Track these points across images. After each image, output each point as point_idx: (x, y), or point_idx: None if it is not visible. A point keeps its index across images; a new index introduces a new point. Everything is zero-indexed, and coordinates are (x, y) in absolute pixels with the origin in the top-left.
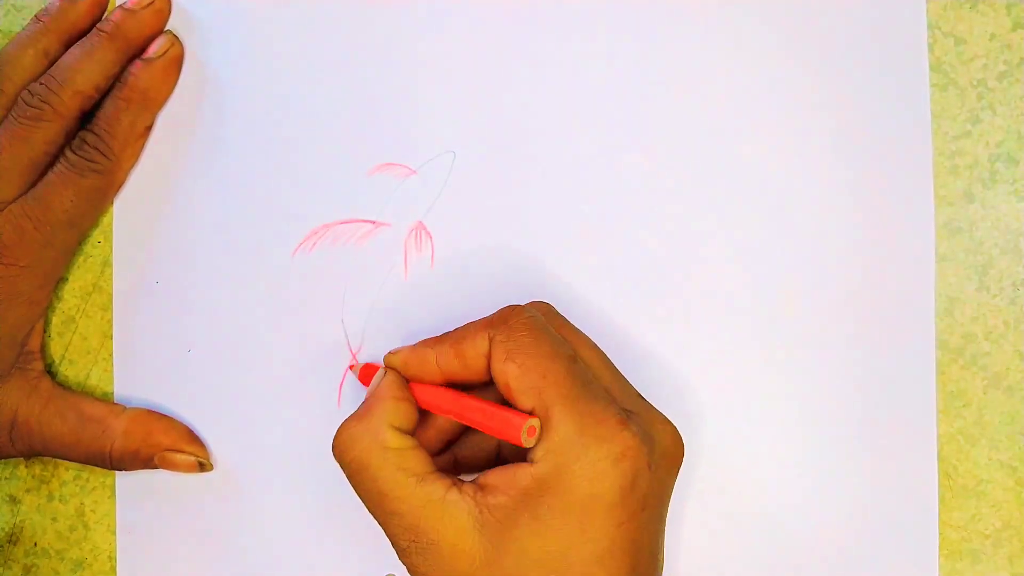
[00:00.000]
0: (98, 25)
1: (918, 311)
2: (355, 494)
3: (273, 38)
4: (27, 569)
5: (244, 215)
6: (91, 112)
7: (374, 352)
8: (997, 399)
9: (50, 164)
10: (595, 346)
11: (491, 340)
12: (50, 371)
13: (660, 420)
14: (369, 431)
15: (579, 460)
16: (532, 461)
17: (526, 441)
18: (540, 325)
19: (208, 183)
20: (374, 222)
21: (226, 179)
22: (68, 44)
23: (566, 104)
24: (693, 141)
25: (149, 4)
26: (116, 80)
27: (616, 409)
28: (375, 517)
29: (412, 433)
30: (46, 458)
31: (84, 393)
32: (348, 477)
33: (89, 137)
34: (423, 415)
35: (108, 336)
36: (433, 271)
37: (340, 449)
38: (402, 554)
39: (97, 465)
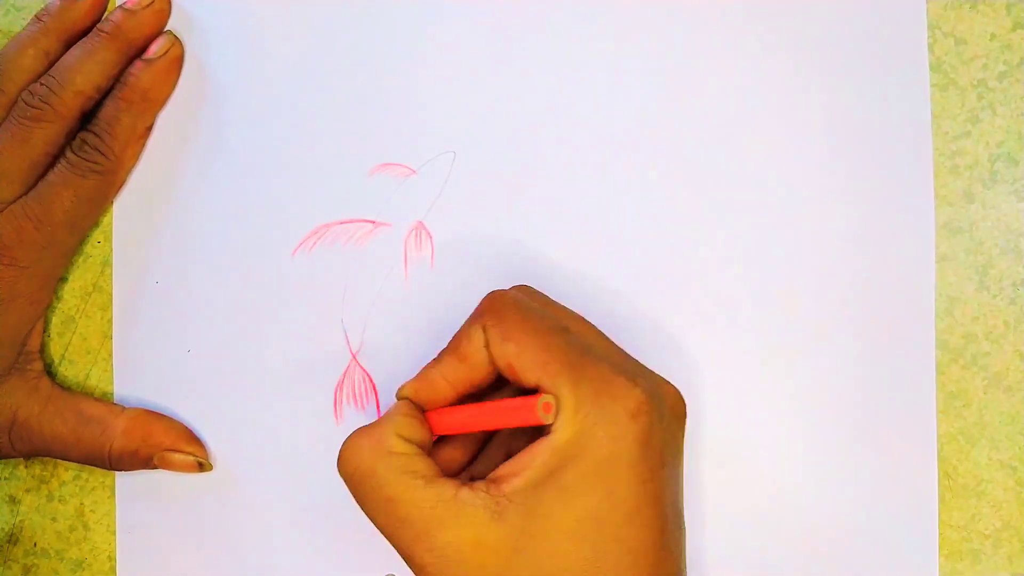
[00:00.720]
0: (98, 25)
1: (918, 311)
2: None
3: (273, 38)
4: (27, 569)
5: (244, 215)
6: (91, 112)
7: (374, 352)
8: (997, 399)
9: (50, 165)
10: (582, 317)
11: (484, 329)
12: (50, 371)
13: (661, 380)
14: (373, 439)
15: (599, 421)
16: (550, 433)
17: (544, 417)
18: (525, 304)
19: (208, 183)
20: (374, 222)
21: (226, 179)
22: (68, 44)
23: (566, 104)
24: (693, 141)
25: (149, 4)
26: (116, 80)
27: (621, 370)
28: (386, 535)
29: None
30: (46, 459)
31: (83, 393)
32: (353, 490)
33: (90, 138)
34: (439, 441)
35: (108, 336)
36: (433, 271)
37: (344, 459)
38: (421, 572)
39: (96, 465)
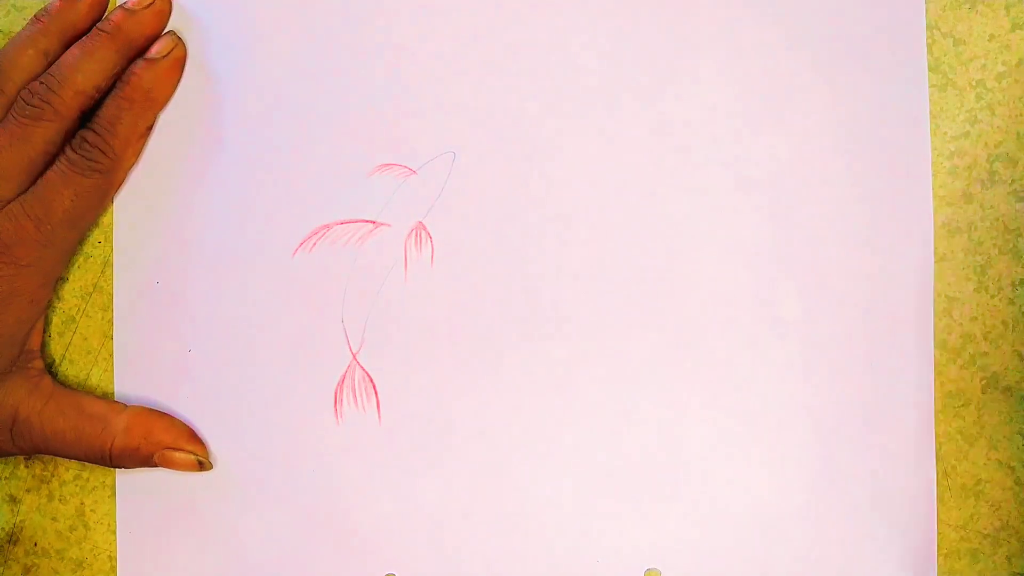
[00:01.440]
0: (98, 25)
1: (917, 311)
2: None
3: (273, 38)
4: (27, 569)
5: (244, 215)
6: (91, 112)
7: (374, 352)
8: (996, 399)
9: (49, 163)
10: None
11: None
12: (51, 371)
13: None
14: None
15: None
16: None
17: None
18: None
19: (208, 183)
20: (374, 222)
21: (226, 179)
22: (67, 44)
23: (567, 105)
24: (693, 141)
25: (149, 4)
26: (116, 80)
27: None
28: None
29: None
30: (46, 458)
31: (85, 391)
32: None
33: (90, 136)
34: None
35: (108, 336)
36: (433, 271)
37: None
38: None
39: (97, 463)
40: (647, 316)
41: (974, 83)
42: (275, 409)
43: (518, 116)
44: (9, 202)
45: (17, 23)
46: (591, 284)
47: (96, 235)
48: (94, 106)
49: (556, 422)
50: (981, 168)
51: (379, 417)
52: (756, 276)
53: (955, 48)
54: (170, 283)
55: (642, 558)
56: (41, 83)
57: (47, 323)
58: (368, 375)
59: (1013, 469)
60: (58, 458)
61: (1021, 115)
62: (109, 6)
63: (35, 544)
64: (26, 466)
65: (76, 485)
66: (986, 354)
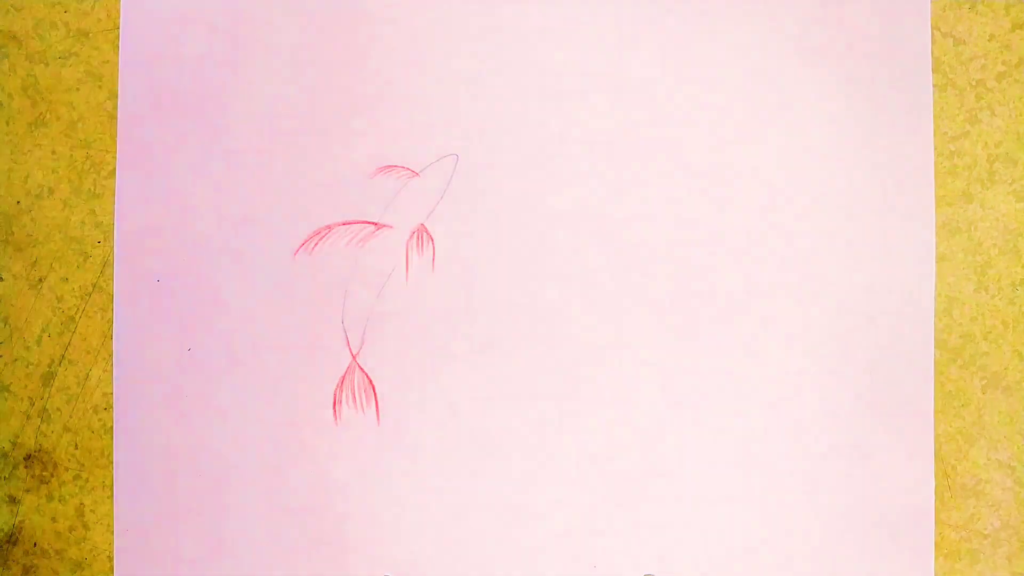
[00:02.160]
0: None
1: (917, 311)
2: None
3: (276, 39)
4: (26, 569)
5: (246, 216)
6: None
7: (374, 353)
8: (996, 399)
9: None
10: None
11: None
12: (50, 370)
13: None
14: None
15: None
16: None
17: None
18: None
19: (209, 183)
20: (376, 224)
21: (228, 180)
22: None
23: (568, 108)
24: (695, 141)
25: None
26: None
27: None
28: None
29: None
30: (46, 458)
31: None
32: None
33: None
34: None
35: (108, 336)
36: (434, 273)
37: None
38: None
39: None
40: (647, 319)
41: (974, 83)
42: (274, 409)
43: (521, 120)
44: None
45: (17, 23)
46: (592, 287)
47: (96, 235)
48: None
49: (555, 426)
50: (981, 168)
51: (378, 418)
52: (757, 275)
53: (955, 48)
54: (170, 283)
55: (640, 563)
56: None
57: (47, 323)
58: (367, 376)
59: (1013, 469)
60: (58, 458)
61: (1021, 115)
62: (117, 8)
63: (34, 544)
64: (26, 467)
65: (75, 486)
66: (986, 354)
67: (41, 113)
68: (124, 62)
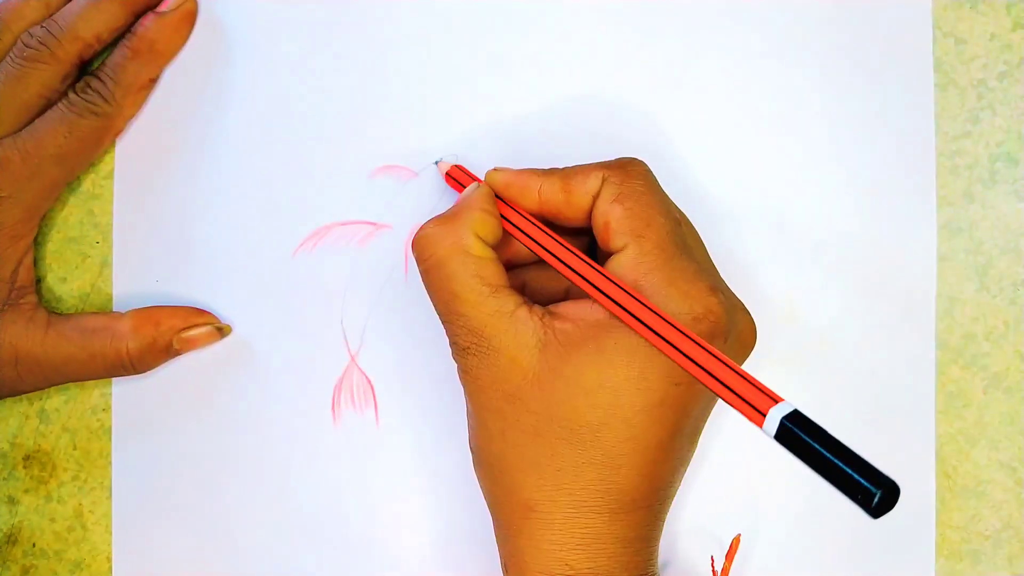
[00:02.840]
0: None
1: (918, 311)
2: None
3: (276, 39)
4: (25, 570)
5: (245, 215)
6: (89, 63)
7: (373, 354)
8: (997, 399)
9: (45, 108)
10: (694, 227)
11: (604, 180)
12: None
13: (742, 306)
14: (453, 233)
15: (660, 308)
16: None
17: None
18: (655, 180)
19: (209, 183)
20: (375, 224)
21: (227, 179)
22: None
23: (568, 107)
24: (695, 141)
25: None
26: (121, 33)
27: (707, 276)
28: (439, 313)
29: (493, 248)
30: (44, 459)
31: (82, 312)
32: (422, 273)
33: (93, 81)
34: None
35: None
36: None
37: (420, 246)
38: (459, 352)
39: (119, 373)
40: None
41: (975, 82)
42: (273, 410)
43: (520, 119)
44: (1, 139)
45: None
46: None
47: (95, 235)
48: (94, 58)
49: None
50: (982, 168)
51: (377, 419)
52: (758, 275)
53: (956, 47)
54: (170, 283)
55: None
56: (42, 27)
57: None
58: (366, 377)
59: (1014, 470)
60: (56, 459)
61: (1022, 115)
62: None
63: (33, 545)
64: (24, 467)
65: (74, 486)
66: (987, 354)
67: None
68: None
